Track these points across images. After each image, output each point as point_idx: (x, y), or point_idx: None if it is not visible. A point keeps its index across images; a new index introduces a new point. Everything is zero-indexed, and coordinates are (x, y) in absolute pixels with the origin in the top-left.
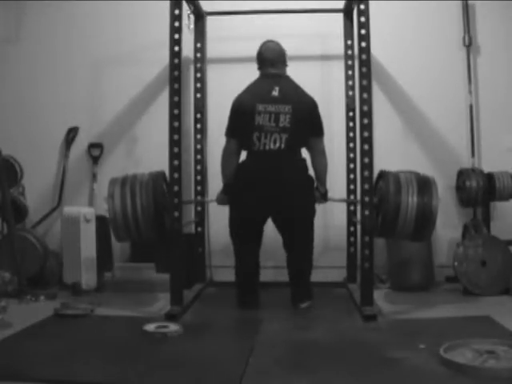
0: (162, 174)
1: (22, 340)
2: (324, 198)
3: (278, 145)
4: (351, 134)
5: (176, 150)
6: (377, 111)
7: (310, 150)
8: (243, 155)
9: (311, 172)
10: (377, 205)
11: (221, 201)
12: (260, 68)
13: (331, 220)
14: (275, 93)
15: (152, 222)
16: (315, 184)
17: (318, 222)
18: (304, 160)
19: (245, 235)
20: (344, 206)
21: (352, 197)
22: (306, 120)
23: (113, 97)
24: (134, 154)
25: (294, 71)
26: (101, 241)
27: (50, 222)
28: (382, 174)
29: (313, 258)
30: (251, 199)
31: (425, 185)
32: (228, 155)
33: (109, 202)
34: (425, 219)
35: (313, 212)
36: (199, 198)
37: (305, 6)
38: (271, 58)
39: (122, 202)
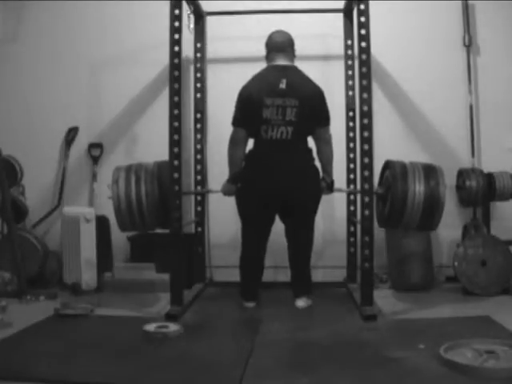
0: (167, 162)
1: (22, 340)
2: (330, 188)
3: (284, 137)
4: (351, 134)
5: (176, 150)
6: (377, 111)
7: (315, 139)
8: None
9: (317, 163)
10: (384, 195)
11: (227, 191)
12: (268, 55)
13: (331, 220)
14: (283, 85)
15: (156, 208)
16: (321, 174)
17: (317, 222)
18: (310, 150)
19: (252, 221)
20: (344, 206)
21: (352, 197)
22: (312, 112)
23: (113, 97)
24: (134, 154)
25: None
26: (101, 241)
27: (50, 222)
28: (388, 163)
29: (312, 246)
30: (258, 185)
31: (431, 171)
32: (235, 144)
33: (113, 188)
34: (432, 205)
35: (317, 199)
36: (199, 189)
37: (305, 5)
38: (281, 42)
39: (126, 188)
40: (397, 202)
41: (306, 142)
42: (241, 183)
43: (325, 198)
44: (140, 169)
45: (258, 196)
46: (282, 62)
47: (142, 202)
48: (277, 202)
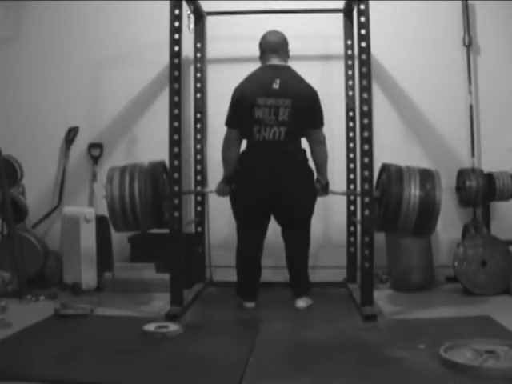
0: (162, 162)
1: (22, 340)
2: (325, 189)
3: (277, 138)
4: (351, 134)
5: (176, 150)
6: (377, 111)
7: (309, 140)
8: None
9: (311, 164)
10: (379, 198)
11: (221, 191)
12: (262, 56)
13: (331, 220)
14: (276, 85)
15: (149, 208)
16: (315, 176)
17: (318, 221)
18: (303, 151)
19: (247, 222)
20: (344, 206)
21: (352, 198)
22: (305, 113)
23: (113, 97)
24: (134, 153)
25: None
26: (101, 241)
27: (50, 222)
28: (385, 167)
29: (309, 247)
30: (251, 187)
31: (428, 175)
32: (229, 144)
33: (107, 187)
34: (428, 209)
35: (312, 200)
36: (199, 188)
37: (305, 5)
38: (274, 43)
39: (120, 187)
40: (391, 205)
41: (299, 142)
42: (234, 184)
43: (325, 198)
44: (134, 169)
45: (252, 197)
46: (275, 62)
47: (136, 201)
48: (270, 202)
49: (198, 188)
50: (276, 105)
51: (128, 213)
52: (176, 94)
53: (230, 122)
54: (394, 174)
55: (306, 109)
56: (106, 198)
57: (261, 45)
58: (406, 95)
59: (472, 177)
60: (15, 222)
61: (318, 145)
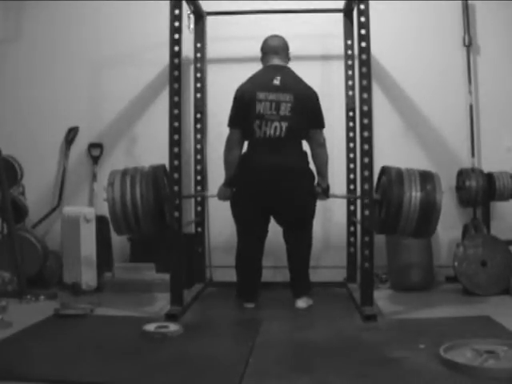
0: (163, 166)
1: (22, 340)
2: (325, 193)
3: (278, 133)
4: (351, 134)
5: (176, 150)
6: (377, 111)
7: (309, 142)
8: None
9: (312, 166)
10: (379, 200)
11: (222, 195)
12: (263, 58)
13: (331, 220)
14: (276, 81)
15: (151, 212)
16: (316, 179)
17: (318, 222)
18: (305, 153)
19: (247, 224)
20: (344, 206)
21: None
22: (306, 111)
23: (113, 97)
24: (134, 154)
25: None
26: (101, 241)
27: (50, 222)
28: (385, 169)
29: (311, 247)
30: (252, 188)
31: (428, 178)
32: (231, 146)
33: (108, 191)
34: (428, 211)
35: (313, 201)
36: (199, 189)
37: (305, 5)
38: (275, 45)
39: (121, 191)
40: (392, 207)
41: (300, 143)
42: (235, 186)
43: None
44: (136, 172)
45: (252, 199)
46: (276, 62)
47: (138, 205)
48: (271, 204)
49: (199, 188)
50: (277, 100)
51: (130, 215)
52: (176, 94)
53: (232, 121)
54: (394, 177)
55: (306, 106)
56: (108, 201)
57: (262, 48)
58: (406, 95)
59: (472, 177)
60: (15, 222)
61: (318, 146)
